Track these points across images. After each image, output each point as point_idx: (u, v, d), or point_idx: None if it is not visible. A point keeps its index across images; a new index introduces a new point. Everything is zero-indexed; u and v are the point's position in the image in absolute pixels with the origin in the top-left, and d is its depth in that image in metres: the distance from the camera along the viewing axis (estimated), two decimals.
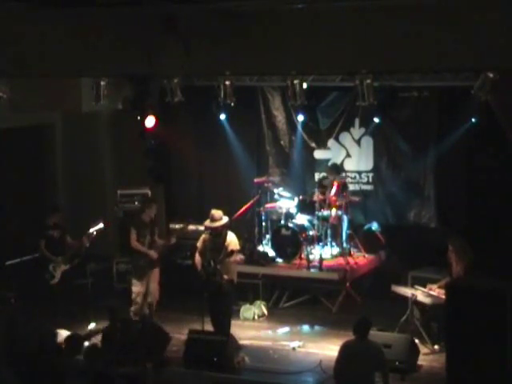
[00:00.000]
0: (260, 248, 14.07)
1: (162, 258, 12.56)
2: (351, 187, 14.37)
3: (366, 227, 14.19)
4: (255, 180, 14.37)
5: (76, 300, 12.53)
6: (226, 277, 11.39)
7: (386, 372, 9.07)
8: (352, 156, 14.65)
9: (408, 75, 12.52)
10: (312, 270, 13.37)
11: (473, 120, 13.03)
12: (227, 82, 12.30)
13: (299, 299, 13.58)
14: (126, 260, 13.81)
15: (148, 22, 9.72)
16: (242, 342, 11.65)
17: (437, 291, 11.32)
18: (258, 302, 13.24)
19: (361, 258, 13.88)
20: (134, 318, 11.95)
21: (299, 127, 14.81)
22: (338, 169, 14.23)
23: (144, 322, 11.48)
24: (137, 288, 12.26)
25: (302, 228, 13.81)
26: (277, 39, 9.60)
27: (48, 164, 15.30)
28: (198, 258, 11.66)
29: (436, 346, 11.31)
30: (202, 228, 13.20)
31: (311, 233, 13.85)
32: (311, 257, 13.51)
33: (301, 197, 14.13)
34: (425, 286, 11.55)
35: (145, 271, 12.28)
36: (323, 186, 13.98)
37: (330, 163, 14.57)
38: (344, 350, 9.14)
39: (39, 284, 12.53)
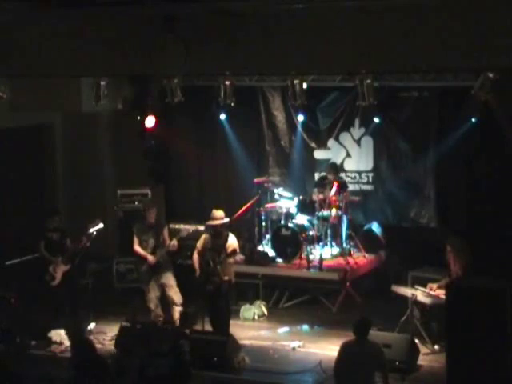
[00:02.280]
0: (260, 248, 14.07)
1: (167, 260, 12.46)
2: (351, 187, 14.36)
3: (365, 227, 14.18)
4: (255, 180, 14.38)
5: (76, 300, 12.52)
6: (224, 277, 11.41)
7: (385, 372, 9.05)
8: (352, 156, 14.65)
9: (408, 75, 12.53)
10: (312, 270, 13.36)
11: (473, 120, 13.02)
12: (227, 82, 12.31)
13: (299, 299, 13.56)
14: (126, 260, 13.80)
15: (148, 22, 9.72)
16: (242, 341, 11.61)
17: (436, 291, 11.32)
18: (258, 302, 13.23)
19: (361, 258, 13.87)
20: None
21: (299, 127, 14.80)
22: (336, 168, 14.23)
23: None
24: (148, 294, 12.13)
25: (302, 228, 13.80)
26: (277, 39, 9.60)
27: (48, 164, 15.28)
28: (195, 256, 11.67)
29: (436, 346, 11.29)
30: (202, 228, 13.24)
31: (311, 233, 13.84)
32: (311, 257, 13.50)
33: (301, 197, 14.10)
34: (425, 286, 11.53)
35: (148, 275, 12.17)
36: (323, 186, 13.98)
37: (329, 163, 14.57)
38: (344, 351, 9.12)
39: (39, 284, 12.52)
